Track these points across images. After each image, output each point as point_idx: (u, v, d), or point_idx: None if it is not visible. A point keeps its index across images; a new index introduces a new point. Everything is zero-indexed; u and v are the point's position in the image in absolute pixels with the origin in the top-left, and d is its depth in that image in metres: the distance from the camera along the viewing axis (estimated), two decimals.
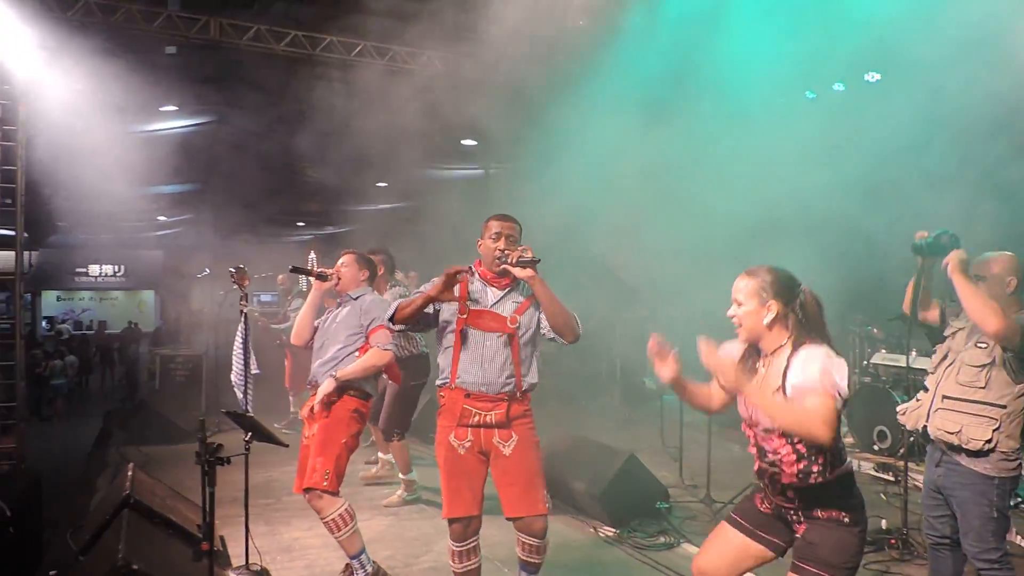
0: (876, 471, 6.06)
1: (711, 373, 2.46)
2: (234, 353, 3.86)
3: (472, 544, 3.23)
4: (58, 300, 26.40)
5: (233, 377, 3.88)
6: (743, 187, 7.76)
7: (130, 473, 4.03)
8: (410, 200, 15.22)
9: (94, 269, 26.41)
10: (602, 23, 8.11)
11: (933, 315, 3.48)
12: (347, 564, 3.81)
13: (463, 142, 12.50)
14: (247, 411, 3.54)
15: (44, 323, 24.10)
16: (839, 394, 2.17)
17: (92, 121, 8.92)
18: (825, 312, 2.42)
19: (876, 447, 6.26)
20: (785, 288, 2.38)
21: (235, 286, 3.84)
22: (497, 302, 3.21)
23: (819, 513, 2.33)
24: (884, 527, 4.55)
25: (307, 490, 3.60)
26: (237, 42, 8.57)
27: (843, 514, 2.31)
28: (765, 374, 2.39)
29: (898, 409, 3.57)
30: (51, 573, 3.97)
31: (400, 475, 5.46)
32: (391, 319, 3.25)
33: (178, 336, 20.69)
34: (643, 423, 7.73)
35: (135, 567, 2.83)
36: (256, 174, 13.45)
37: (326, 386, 3.67)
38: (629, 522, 4.78)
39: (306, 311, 3.99)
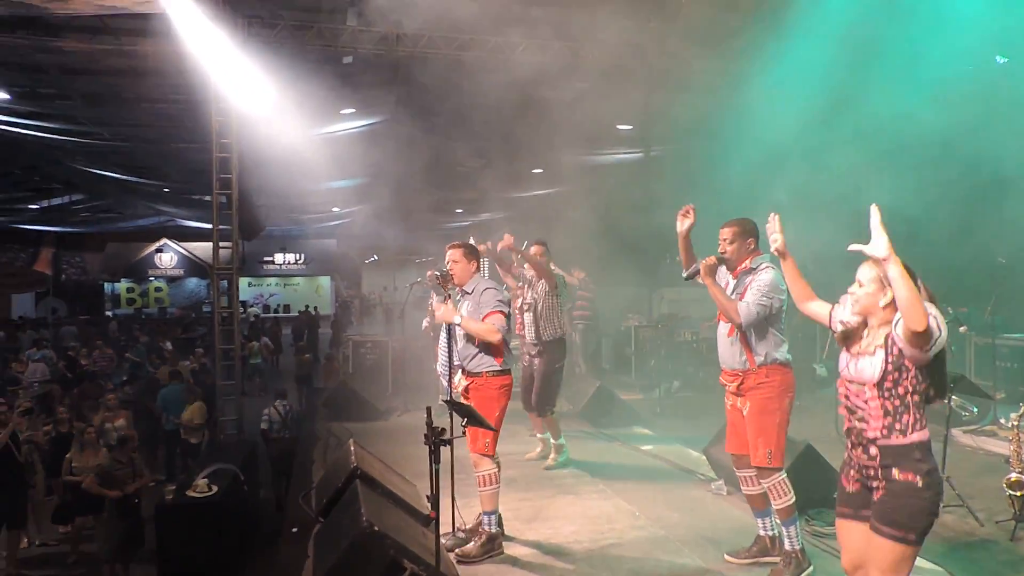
0: None
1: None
2: (439, 346, 4.32)
3: (749, 474, 3.92)
4: (249, 286, 29.40)
5: (438, 367, 4.35)
6: (926, 161, 7.35)
7: (352, 448, 4.63)
8: (565, 185, 15.51)
9: (279, 257, 29.20)
10: None
11: None
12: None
13: (619, 127, 12.59)
14: (454, 399, 3.97)
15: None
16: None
17: (284, 128, 10.04)
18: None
19: None
20: None
21: (439, 286, 4.25)
22: (731, 292, 3.83)
23: (896, 474, 2.53)
24: None
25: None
26: (409, 50, 9.21)
27: (917, 477, 2.50)
28: (870, 336, 2.66)
29: None
30: (293, 530, 4.70)
31: (552, 441, 6.17)
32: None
33: (351, 319, 22.39)
34: (815, 411, 7.55)
35: (377, 528, 3.33)
36: (419, 167, 14.33)
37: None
38: (807, 510, 4.82)
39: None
